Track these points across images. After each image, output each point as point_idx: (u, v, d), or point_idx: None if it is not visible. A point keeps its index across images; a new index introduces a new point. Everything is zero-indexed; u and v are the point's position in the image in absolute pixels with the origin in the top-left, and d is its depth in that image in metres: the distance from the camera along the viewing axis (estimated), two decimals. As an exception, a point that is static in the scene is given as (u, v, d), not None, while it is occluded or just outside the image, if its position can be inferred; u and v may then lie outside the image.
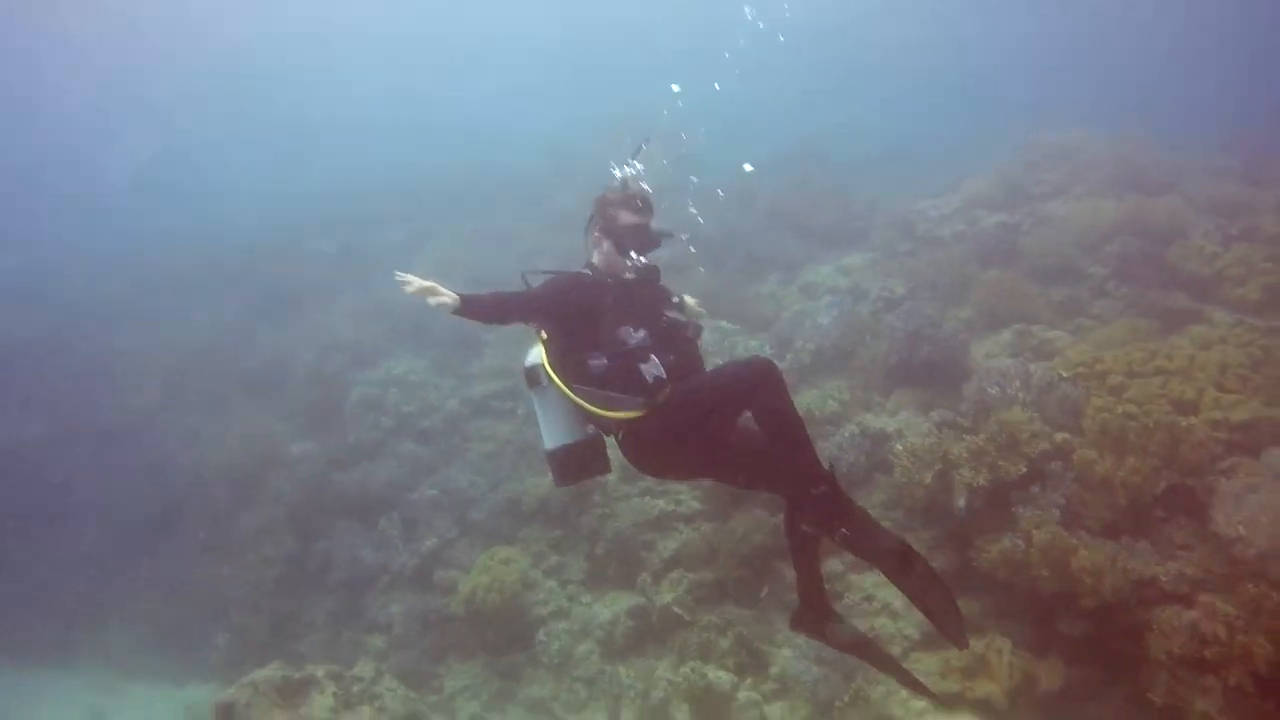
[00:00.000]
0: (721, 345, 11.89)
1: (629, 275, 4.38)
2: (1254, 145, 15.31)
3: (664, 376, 4.03)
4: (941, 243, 14.01)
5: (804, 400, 10.83)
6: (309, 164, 30.59)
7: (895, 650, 8.21)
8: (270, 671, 7.77)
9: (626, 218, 4.41)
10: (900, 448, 8.91)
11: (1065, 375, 8.79)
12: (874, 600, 8.63)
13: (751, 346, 11.84)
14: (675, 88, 6.92)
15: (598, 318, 4.19)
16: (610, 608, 9.57)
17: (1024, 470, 7.85)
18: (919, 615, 8.26)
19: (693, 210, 5.92)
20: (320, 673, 8.10)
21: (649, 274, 4.37)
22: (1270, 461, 7.24)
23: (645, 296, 4.38)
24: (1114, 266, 12.15)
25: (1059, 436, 8.08)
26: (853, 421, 10.42)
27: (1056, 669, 7.21)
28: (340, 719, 7.53)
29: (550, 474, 4.59)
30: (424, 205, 21.36)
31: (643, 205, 4.47)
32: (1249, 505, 6.79)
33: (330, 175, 26.85)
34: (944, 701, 7.53)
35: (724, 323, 12.39)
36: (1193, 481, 7.34)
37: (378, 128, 35.59)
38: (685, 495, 10.19)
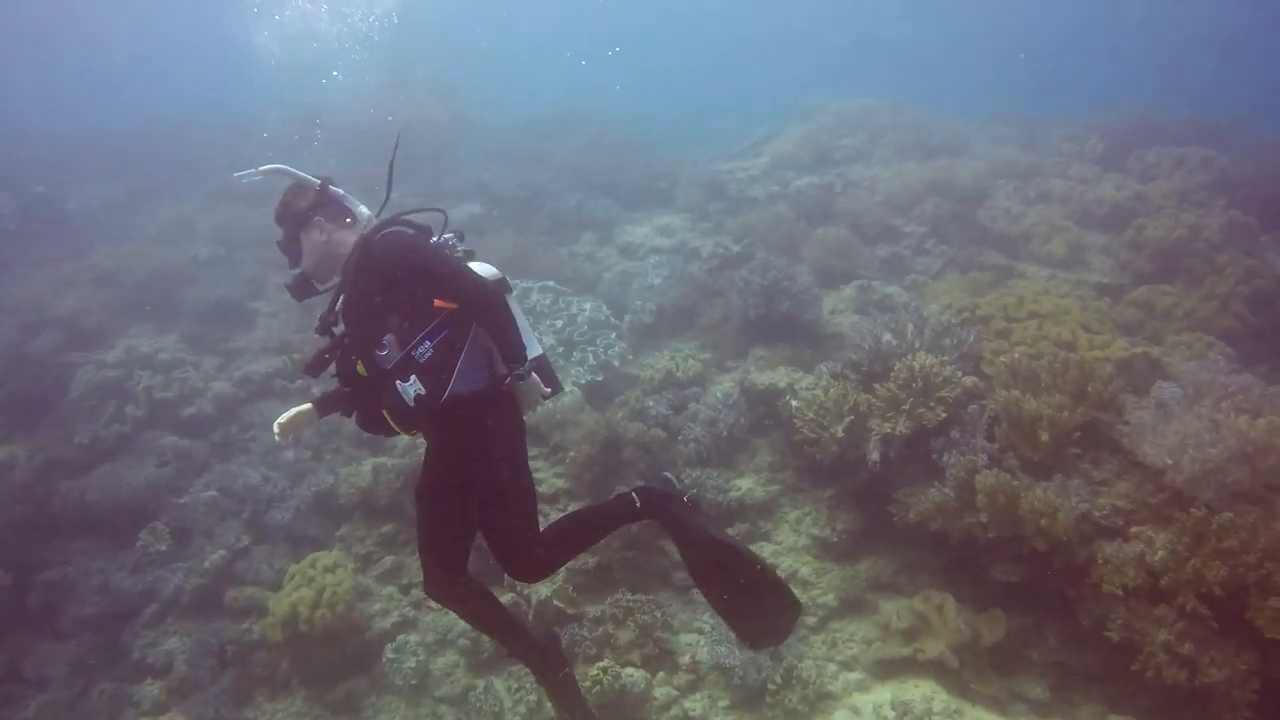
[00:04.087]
0: (555, 305, 10.60)
1: None
2: (1024, 118, 16.43)
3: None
4: (756, 203, 13.65)
5: (659, 363, 9.91)
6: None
7: (811, 621, 7.53)
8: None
9: None
10: (797, 403, 8.19)
11: (955, 321, 8.48)
12: (777, 570, 7.80)
13: (586, 308, 10.65)
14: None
15: None
16: (471, 611, 8.01)
17: (943, 416, 7.38)
18: (835, 580, 7.74)
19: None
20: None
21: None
22: (1162, 395, 7.23)
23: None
24: (930, 226, 12.37)
25: (967, 380, 7.69)
26: (720, 381, 9.65)
27: (997, 619, 6.78)
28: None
29: None
30: (139, 161, 17.86)
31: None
32: (1170, 434, 6.69)
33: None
34: (891, 669, 6.91)
35: (551, 282, 11.10)
36: (1106, 416, 7.20)
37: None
38: (546, 473, 8.85)
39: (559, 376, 4.44)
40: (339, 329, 3.80)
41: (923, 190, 12.74)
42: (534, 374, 3.74)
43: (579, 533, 4.06)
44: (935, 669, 6.70)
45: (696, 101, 23.29)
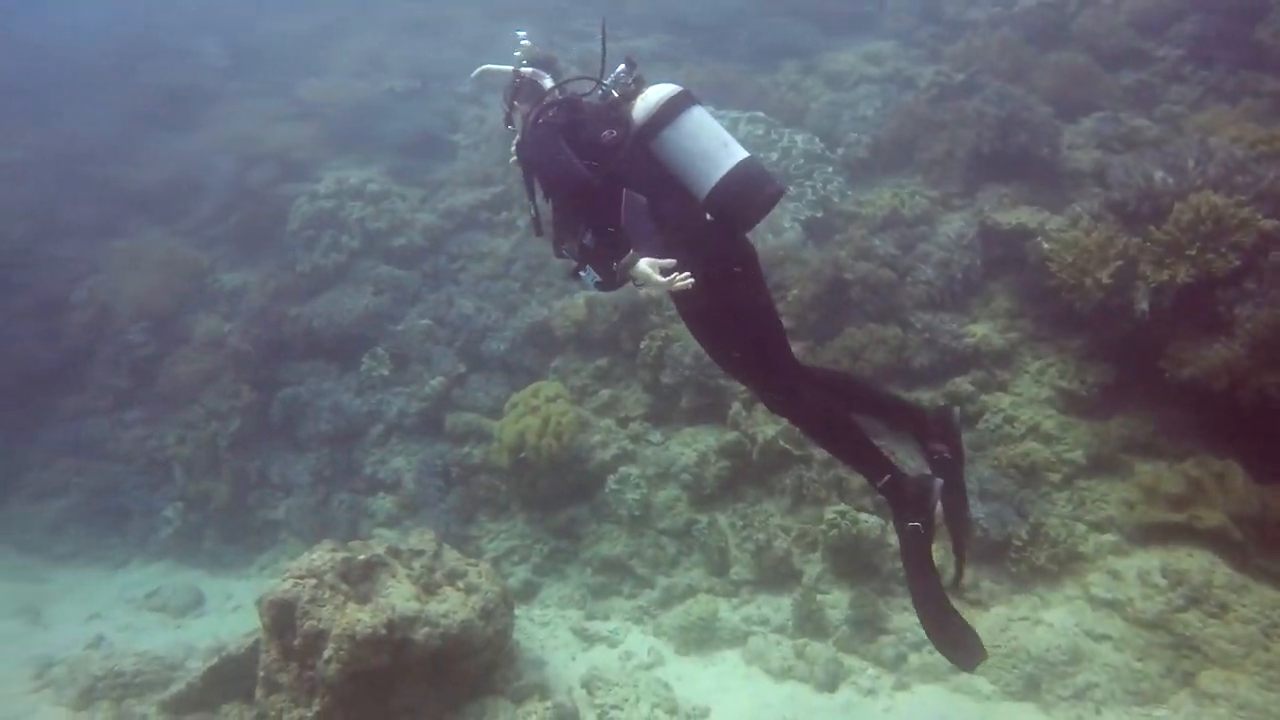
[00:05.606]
0: (768, 138, 10.03)
1: None
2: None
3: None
4: (976, 26, 12.34)
5: (881, 199, 9.29)
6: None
7: (1055, 477, 7.08)
8: (326, 554, 5.81)
9: None
10: (1049, 245, 7.50)
11: (1250, 156, 7.43)
12: (1016, 422, 7.38)
13: (799, 141, 10.03)
14: None
15: None
16: (692, 446, 7.99)
17: (1237, 264, 6.56)
18: (1083, 436, 7.24)
19: None
20: (382, 549, 6.23)
21: None
22: None
23: None
24: (1188, 47, 10.83)
25: (1267, 224, 6.76)
26: (948, 220, 8.98)
27: (1290, 491, 6.15)
28: (429, 610, 5.74)
29: None
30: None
31: None
32: None
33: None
34: (1156, 535, 6.46)
35: (760, 113, 10.47)
36: None
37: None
38: (765, 311, 8.56)
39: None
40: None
41: (1180, 5, 11.15)
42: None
43: (830, 429, 3.91)
44: (1212, 539, 6.16)
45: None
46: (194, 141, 13.81)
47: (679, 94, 3.69)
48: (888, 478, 3.75)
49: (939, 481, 3.73)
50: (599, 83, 3.86)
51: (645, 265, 3.45)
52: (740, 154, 3.64)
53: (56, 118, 15.38)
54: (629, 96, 3.76)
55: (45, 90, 16.67)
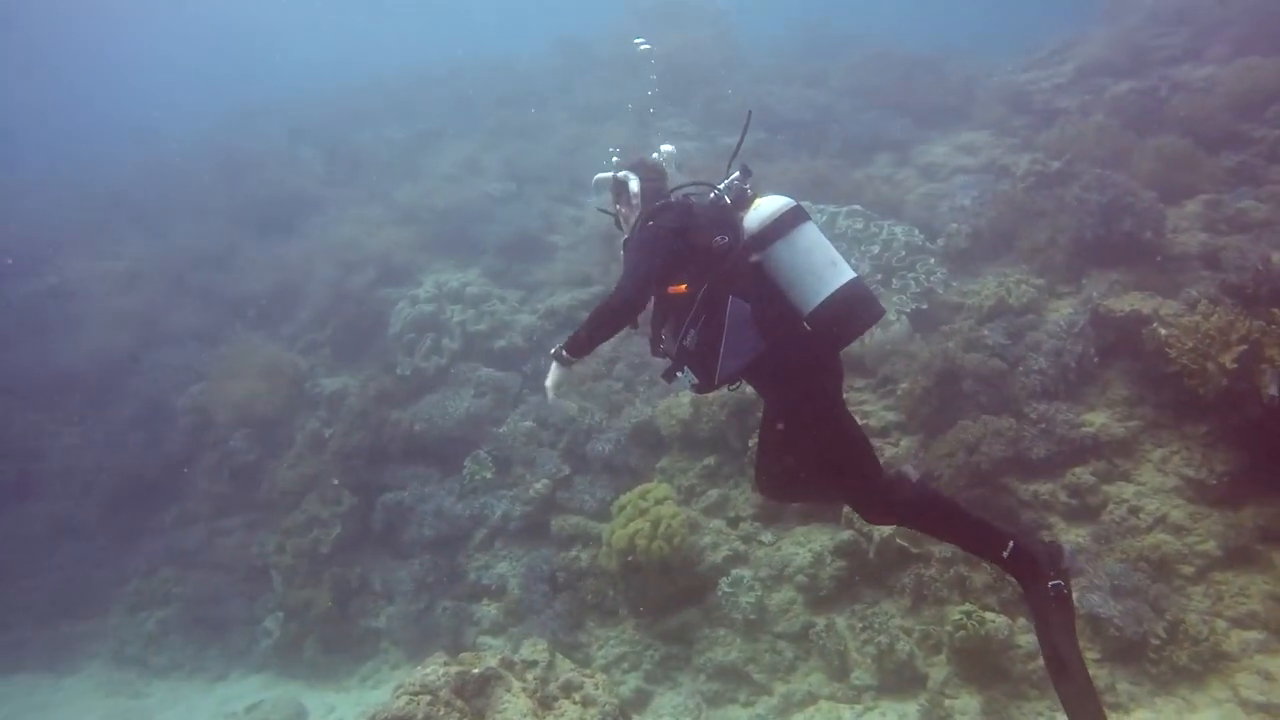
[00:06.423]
0: (867, 231, 9.98)
1: None
2: None
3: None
4: (1068, 114, 12.29)
5: (987, 288, 9.10)
6: (258, 69, 26.94)
7: (1188, 570, 6.65)
8: (440, 669, 5.65)
9: None
10: (1167, 331, 7.25)
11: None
12: (1141, 513, 6.99)
13: (898, 233, 9.95)
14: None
15: None
16: (806, 546, 7.71)
17: (1384, 347, 6.21)
18: (1215, 527, 6.78)
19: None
20: (494, 661, 6.04)
21: None
22: None
23: None
24: (1290, 127, 10.60)
25: None
26: (1056, 308, 8.77)
27: None
28: (549, 724, 5.51)
29: None
30: (419, 105, 18.70)
31: None
32: None
33: (287, 80, 23.65)
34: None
35: (858, 206, 10.45)
36: None
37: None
38: (875, 405, 8.36)
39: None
40: None
41: (1278, 85, 10.99)
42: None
43: (935, 520, 3.73)
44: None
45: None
46: (295, 248, 14.28)
47: (793, 208, 3.76)
48: (1011, 545, 3.50)
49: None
50: (713, 188, 3.92)
51: (553, 377, 3.78)
52: (848, 274, 3.71)
53: (162, 227, 16.11)
54: (741, 204, 3.83)
55: (152, 201, 17.58)
